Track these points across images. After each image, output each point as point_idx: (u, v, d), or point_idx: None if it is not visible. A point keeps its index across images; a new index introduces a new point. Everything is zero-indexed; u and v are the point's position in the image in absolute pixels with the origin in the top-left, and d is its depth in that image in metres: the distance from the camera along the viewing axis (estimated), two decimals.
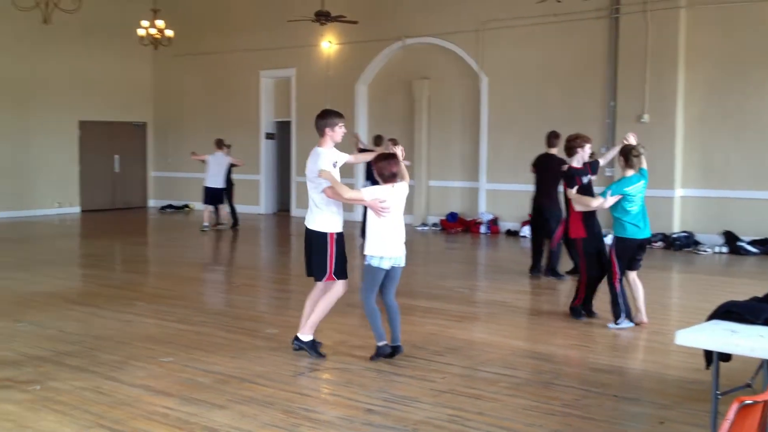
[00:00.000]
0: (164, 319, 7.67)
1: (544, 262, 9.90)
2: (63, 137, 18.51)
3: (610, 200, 7.07)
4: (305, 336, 6.32)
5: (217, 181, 15.02)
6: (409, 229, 15.14)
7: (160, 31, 16.36)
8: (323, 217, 6.10)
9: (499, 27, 14.44)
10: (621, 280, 7.22)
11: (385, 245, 6.03)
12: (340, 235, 6.17)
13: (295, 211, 17.99)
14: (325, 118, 6.14)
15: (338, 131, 6.12)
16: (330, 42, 17.02)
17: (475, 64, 14.92)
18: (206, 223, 15.08)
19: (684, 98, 12.75)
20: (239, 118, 18.67)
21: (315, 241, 6.12)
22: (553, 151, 9.80)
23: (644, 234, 7.16)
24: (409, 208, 15.79)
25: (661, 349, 6.50)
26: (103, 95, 19.24)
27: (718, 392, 4.11)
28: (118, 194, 20.04)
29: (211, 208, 15.17)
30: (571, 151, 7.81)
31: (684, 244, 12.38)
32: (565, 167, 8.98)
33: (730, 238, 12.13)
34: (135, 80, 20.00)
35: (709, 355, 4.32)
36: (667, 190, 12.69)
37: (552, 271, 9.77)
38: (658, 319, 7.61)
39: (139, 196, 20.63)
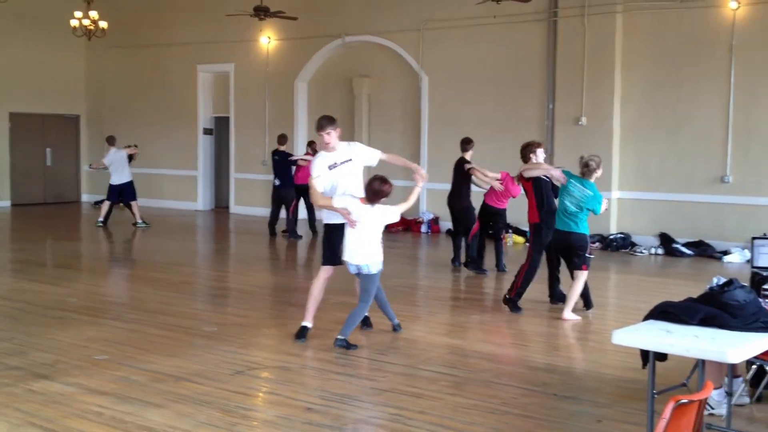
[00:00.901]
0: (98, 317, 7.46)
1: (462, 258, 10.50)
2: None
3: (556, 172, 7.72)
4: (304, 321, 6.72)
5: (120, 177, 14.85)
6: None
7: (94, 22, 15.93)
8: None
9: (439, 27, 14.52)
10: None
11: (347, 251, 6.51)
12: (329, 227, 6.68)
13: (234, 208, 17.74)
14: (317, 123, 6.64)
15: (324, 137, 6.56)
16: (269, 38, 16.86)
17: (415, 63, 14.98)
18: (101, 218, 14.89)
19: (621, 102, 13.04)
20: (176, 113, 18.33)
21: None
22: (466, 155, 10.44)
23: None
24: None
25: (599, 349, 6.61)
26: (35, 87, 18.62)
27: (654, 391, 4.19)
28: (50, 188, 19.44)
29: (107, 203, 14.99)
30: (525, 157, 8.19)
31: (621, 245, 12.65)
32: (467, 167, 10.11)
33: (666, 240, 12.45)
34: (67, 72, 19.41)
35: (645, 354, 4.41)
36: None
37: (474, 264, 10.18)
38: (595, 319, 7.77)
39: (72, 190, 20.05)
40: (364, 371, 5.85)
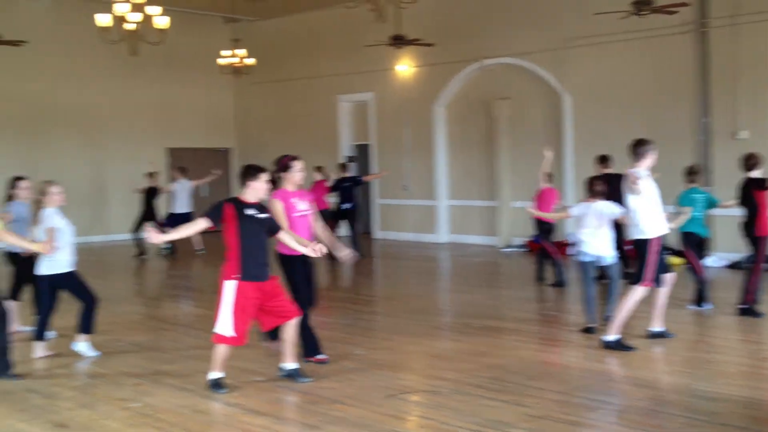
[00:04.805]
0: (252, 339, 7.69)
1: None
2: (152, 165, 18.79)
3: None
4: (612, 335, 6.97)
5: (182, 207, 15.42)
6: (494, 251, 15.01)
7: (241, 59, 16.76)
8: None
9: (580, 45, 14.19)
10: None
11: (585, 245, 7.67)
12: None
13: (378, 233, 17.95)
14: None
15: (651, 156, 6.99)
16: (407, 65, 17.08)
17: (556, 83, 14.70)
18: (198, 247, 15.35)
19: None
20: (319, 142, 18.83)
21: None
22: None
23: None
24: (492, 229, 15.81)
25: None
26: (188, 123, 19.71)
27: None
28: None
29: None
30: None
31: None
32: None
33: None
34: (217, 108, 20.42)
35: None
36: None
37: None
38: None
39: None
40: (515, 397, 5.70)
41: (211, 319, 5.80)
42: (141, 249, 15.21)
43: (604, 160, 10.51)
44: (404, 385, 6.08)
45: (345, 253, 6.76)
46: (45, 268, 6.96)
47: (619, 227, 8.34)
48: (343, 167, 14.85)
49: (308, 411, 5.46)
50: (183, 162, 18.24)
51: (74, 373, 6.69)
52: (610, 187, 7.91)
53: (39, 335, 7.08)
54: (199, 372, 6.26)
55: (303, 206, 6.51)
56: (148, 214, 15.44)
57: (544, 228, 10.74)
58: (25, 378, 6.39)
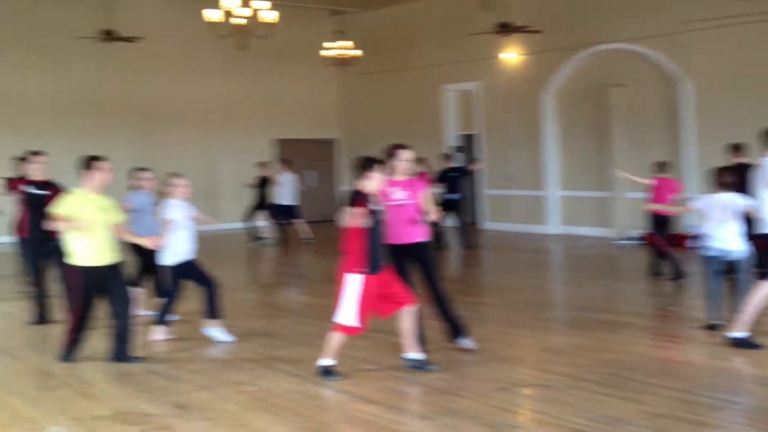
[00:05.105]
0: (368, 328, 7.72)
1: None
2: (259, 156, 19.21)
3: None
4: (739, 332, 6.59)
5: (286, 200, 15.61)
6: (608, 243, 14.54)
7: (346, 50, 16.90)
8: None
9: (699, 28, 13.51)
10: None
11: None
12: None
13: (486, 224, 17.74)
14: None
15: None
16: (514, 53, 16.78)
17: (674, 67, 14.08)
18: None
19: None
20: (424, 133, 18.75)
21: None
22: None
23: None
24: (606, 221, 15.33)
25: None
26: (295, 114, 20.03)
27: None
28: (316, 207, 20.23)
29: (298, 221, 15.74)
30: None
31: None
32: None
33: None
34: (321, 99, 20.64)
35: None
36: None
37: None
38: None
39: (331, 208, 21.16)
40: (633, 394, 5.48)
41: (321, 307, 5.90)
42: (253, 237, 15.62)
43: (737, 148, 9.93)
44: (517, 379, 5.97)
45: (434, 214, 6.67)
46: (167, 257, 7.22)
47: (750, 220, 7.87)
48: (447, 158, 14.73)
49: (420, 401, 5.45)
50: (289, 153, 18.60)
51: (194, 357, 6.91)
52: (740, 177, 7.46)
53: (161, 320, 7.37)
54: (311, 359, 6.33)
55: (399, 195, 6.43)
56: (260, 203, 15.85)
57: (658, 220, 10.29)
58: (147, 361, 6.64)
